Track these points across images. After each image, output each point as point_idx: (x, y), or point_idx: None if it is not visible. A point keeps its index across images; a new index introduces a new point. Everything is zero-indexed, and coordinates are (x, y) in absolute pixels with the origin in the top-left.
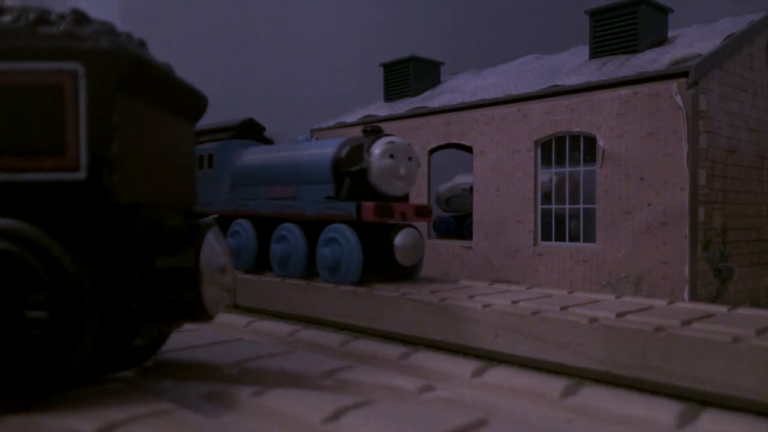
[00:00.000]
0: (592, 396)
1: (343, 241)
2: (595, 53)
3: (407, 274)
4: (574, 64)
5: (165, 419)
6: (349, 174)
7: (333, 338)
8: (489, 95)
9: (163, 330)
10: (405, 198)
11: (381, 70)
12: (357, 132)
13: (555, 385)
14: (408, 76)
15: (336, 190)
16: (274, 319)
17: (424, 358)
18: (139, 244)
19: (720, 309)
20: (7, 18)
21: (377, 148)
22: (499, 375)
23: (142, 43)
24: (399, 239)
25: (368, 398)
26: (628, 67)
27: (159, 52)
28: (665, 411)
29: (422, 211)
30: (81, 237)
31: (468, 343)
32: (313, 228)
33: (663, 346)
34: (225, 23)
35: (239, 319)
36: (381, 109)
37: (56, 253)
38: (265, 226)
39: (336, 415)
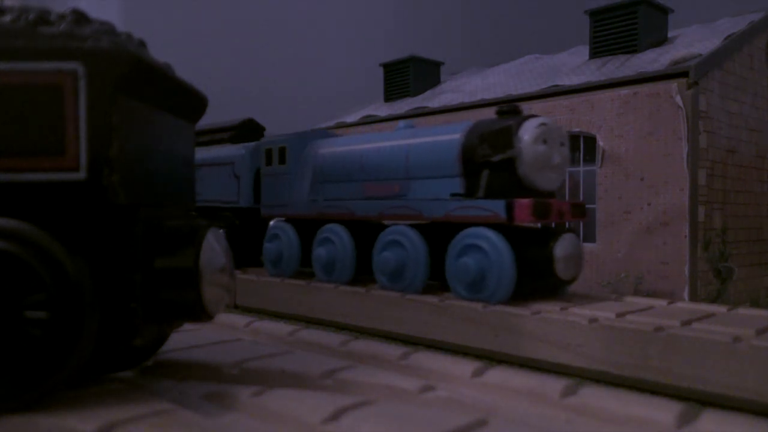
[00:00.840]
0: (592, 396)
1: (489, 249)
2: (595, 53)
3: (557, 288)
4: (574, 64)
5: (165, 419)
6: (489, 165)
7: (333, 338)
8: (489, 95)
9: (163, 330)
10: (552, 194)
11: (381, 70)
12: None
13: (555, 385)
14: (408, 76)
15: (467, 186)
16: (274, 319)
17: (424, 358)
18: (139, 244)
19: (720, 309)
20: (7, 18)
21: (527, 132)
22: (499, 375)
23: (142, 43)
24: (560, 248)
25: (368, 398)
26: (628, 67)
27: (159, 52)
28: (665, 411)
29: (579, 210)
30: (81, 237)
31: (468, 344)
32: (434, 232)
33: (663, 347)
34: (225, 23)
35: (239, 319)
36: (381, 109)
37: (56, 253)
38: (365, 230)
39: (336, 415)
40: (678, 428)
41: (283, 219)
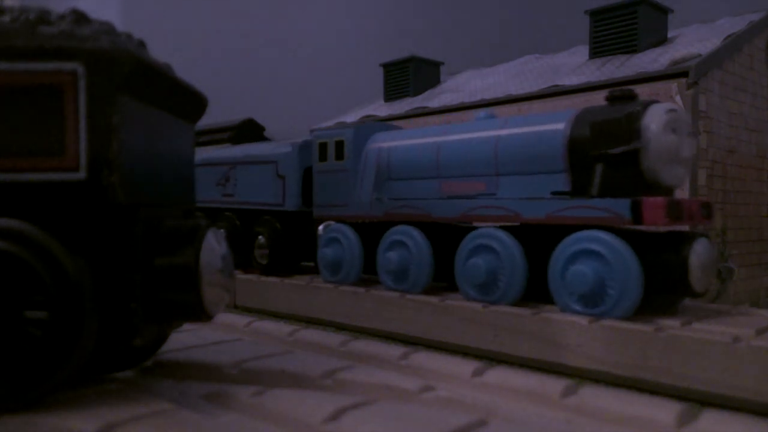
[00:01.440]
0: (592, 396)
1: (610, 256)
2: (595, 53)
3: (675, 301)
4: (574, 64)
5: (165, 419)
6: (605, 158)
7: (333, 338)
8: (489, 95)
9: (163, 330)
10: (672, 191)
11: (381, 70)
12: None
13: (555, 385)
14: (408, 76)
15: (574, 183)
16: (274, 319)
17: (424, 358)
18: (139, 244)
19: (720, 309)
20: (7, 18)
21: (654, 120)
22: (499, 375)
23: (142, 43)
24: (696, 255)
25: (368, 398)
26: (628, 67)
27: (159, 52)
28: (665, 411)
29: (707, 211)
30: (81, 237)
31: (468, 344)
32: (530, 236)
33: (663, 347)
34: (225, 23)
35: (239, 319)
36: (381, 109)
37: (56, 253)
38: (442, 234)
39: (336, 415)
40: (678, 428)
41: (341, 221)
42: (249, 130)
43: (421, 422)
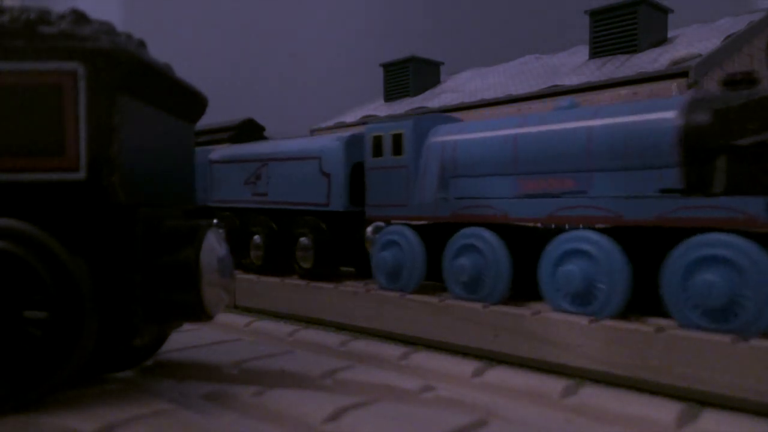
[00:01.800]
0: (592, 396)
1: (746, 265)
2: (595, 53)
3: None
4: (574, 64)
5: (165, 419)
6: (731, 150)
7: (333, 338)
8: (489, 95)
9: (163, 330)
10: None
11: (381, 70)
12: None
13: (555, 385)
14: (408, 76)
15: (688, 179)
16: (274, 319)
17: (424, 358)
18: (139, 244)
19: None
20: (7, 18)
21: None
22: (499, 375)
23: (142, 43)
24: None
25: (368, 398)
26: (628, 67)
27: (159, 52)
28: (665, 411)
29: None
30: (81, 237)
31: (468, 344)
32: (636, 240)
33: (663, 347)
34: (225, 23)
35: (239, 319)
36: (381, 109)
37: (56, 253)
38: (522, 237)
39: (336, 415)
40: (678, 428)
41: (400, 222)
42: (249, 130)
43: (421, 422)
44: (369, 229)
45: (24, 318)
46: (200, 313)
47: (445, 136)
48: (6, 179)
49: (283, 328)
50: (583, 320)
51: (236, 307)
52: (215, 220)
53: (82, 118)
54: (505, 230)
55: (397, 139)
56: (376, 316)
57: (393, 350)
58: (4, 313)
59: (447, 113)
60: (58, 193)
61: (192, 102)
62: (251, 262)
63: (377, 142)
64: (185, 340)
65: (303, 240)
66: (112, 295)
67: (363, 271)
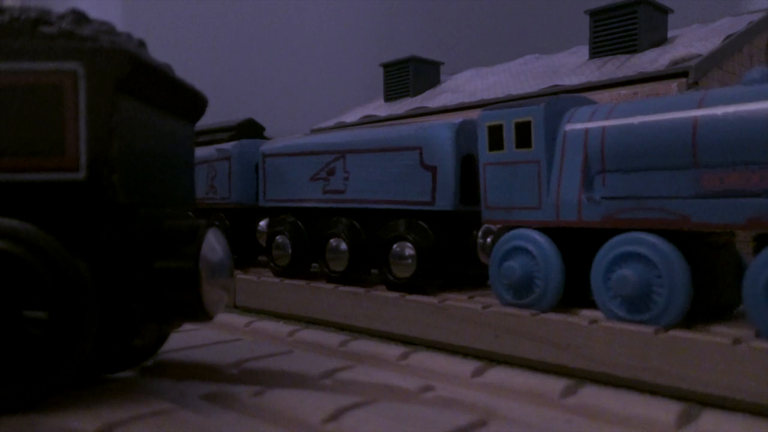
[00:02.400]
0: (592, 396)
1: None
2: (595, 53)
3: None
4: (574, 64)
5: (165, 419)
6: None
7: (333, 338)
8: (489, 95)
9: (163, 330)
10: None
11: (381, 70)
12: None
13: (555, 385)
14: (408, 76)
15: None
16: (274, 319)
17: (424, 358)
18: (139, 244)
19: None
20: (7, 18)
21: None
22: (499, 375)
23: (142, 43)
24: None
25: (368, 398)
26: (628, 67)
27: (159, 52)
28: (665, 411)
29: None
30: (81, 237)
31: (468, 344)
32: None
33: (663, 348)
34: (225, 23)
35: (239, 319)
36: (381, 109)
37: (56, 253)
38: (705, 246)
39: (336, 415)
40: (678, 428)
41: (527, 227)
42: (249, 130)
43: (421, 422)
44: (479, 233)
45: (24, 318)
46: (200, 313)
47: (588, 122)
48: (6, 179)
49: (283, 328)
50: (583, 321)
51: (236, 307)
52: (266, 221)
53: (82, 118)
54: (679, 237)
55: (524, 129)
56: (376, 316)
57: (393, 350)
58: (3, 313)
59: (573, 95)
60: (58, 193)
61: (192, 102)
62: (328, 270)
63: (495, 132)
64: (185, 340)
65: (400, 245)
66: (112, 295)
67: (471, 282)
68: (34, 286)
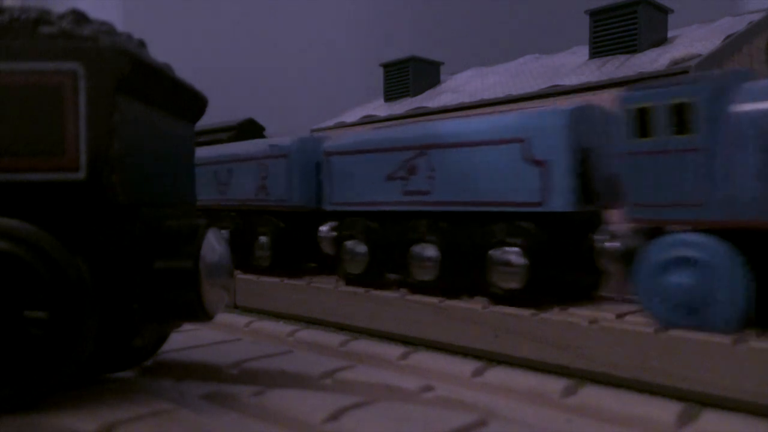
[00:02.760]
0: (592, 396)
1: None
2: (595, 53)
3: None
4: (574, 64)
5: (165, 419)
6: None
7: (333, 338)
8: (489, 95)
9: (163, 330)
10: None
11: (381, 70)
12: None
13: (555, 385)
14: (408, 76)
15: None
16: (274, 319)
17: (424, 358)
18: (139, 244)
19: None
20: (7, 18)
21: None
22: (499, 375)
23: (142, 43)
24: None
25: (368, 398)
26: (628, 67)
27: (159, 52)
28: (665, 411)
29: None
30: (81, 237)
31: (468, 344)
32: None
33: (663, 348)
34: (225, 23)
35: (239, 319)
36: (381, 109)
37: (56, 253)
38: None
39: (336, 415)
40: (678, 428)
41: (691, 230)
42: (249, 130)
43: (421, 422)
44: (599, 238)
45: (24, 318)
46: (200, 313)
47: (760, 103)
48: (6, 179)
49: (283, 328)
50: (583, 321)
51: (236, 307)
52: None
53: (82, 118)
54: None
55: (682, 112)
56: (376, 316)
57: (393, 350)
58: (4, 313)
59: (737, 68)
60: (58, 193)
61: (192, 102)
62: (410, 279)
63: (644, 116)
64: (185, 340)
65: (504, 252)
66: (112, 295)
67: (584, 291)
68: (34, 286)
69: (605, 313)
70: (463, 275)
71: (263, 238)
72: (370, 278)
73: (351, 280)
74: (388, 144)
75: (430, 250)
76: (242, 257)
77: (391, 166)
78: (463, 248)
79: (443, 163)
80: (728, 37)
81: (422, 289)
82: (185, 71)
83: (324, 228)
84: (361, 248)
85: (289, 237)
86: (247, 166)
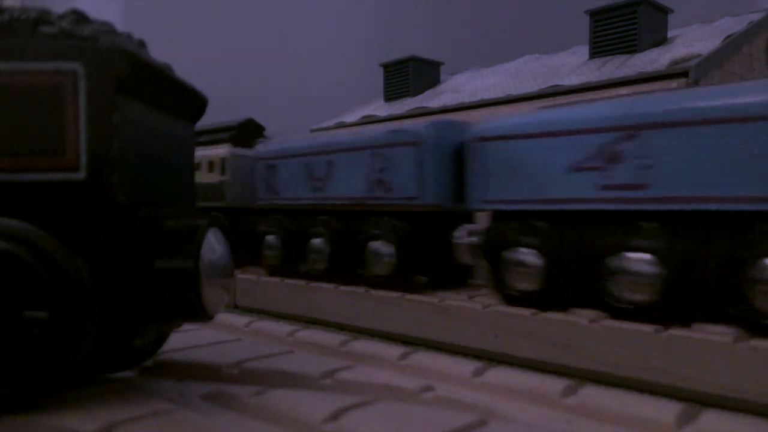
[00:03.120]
0: (592, 396)
1: None
2: (595, 53)
3: None
4: (574, 64)
5: (165, 419)
6: None
7: (333, 338)
8: (489, 95)
9: (163, 330)
10: None
11: (381, 70)
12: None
13: (555, 385)
14: (408, 76)
15: None
16: (274, 319)
17: (424, 358)
18: (139, 244)
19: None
20: (7, 18)
21: None
22: (499, 375)
23: (142, 43)
24: None
25: (368, 398)
26: (628, 67)
27: (159, 52)
28: (665, 411)
29: None
30: (81, 237)
31: (468, 344)
32: None
33: (663, 348)
34: (225, 23)
35: (239, 319)
36: (381, 109)
37: (56, 253)
38: None
39: (336, 415)
40: (678, 428)
41: None
42: (249, 130)
43: (421, 422)
44: None
45: (24, 318)
46: (200, 313)
47: None
48: (6, 179)
49: (283, 328)
50: (584, 321)
51: (236, 307)
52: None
53: (82, 118)
54: None
55: None
56: (376, 316)
57: (393, 350)
58: (4, 313)
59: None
60: (58, 193)
61: (192, 102)
62: (621, 302)
63: None
64: (185, 340)
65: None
66: (112, 295)
67: None
68: (34, 286)
69: (605, 312)
70: (709, 298)
71: (379, 245)
72: (548, 297)
73: (516, 299)
74: (574, 125)
75: (648, 264)
76: (343, 268)
77: (576, 152)
78: (706, 261)
79: (667, 147)
80: (728, 37)
81: (638, 316)
82: (185, 71)
83: (460, 233)
84: (534, 259)
85: (417, 244)
86: (357, 157)
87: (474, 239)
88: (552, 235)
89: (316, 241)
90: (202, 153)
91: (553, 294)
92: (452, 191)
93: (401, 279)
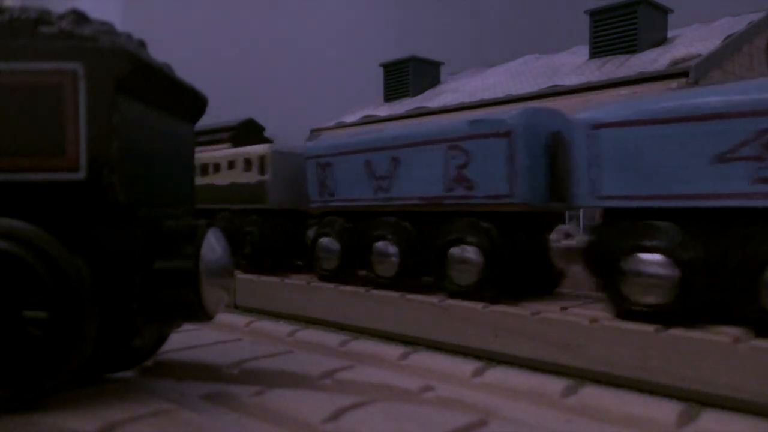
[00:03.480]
0: (592, 396)
1: None
2: (595, 53)
3: None
4: (574, 64)
5: (165, 419)
6: None
7: (333, 338)
8: (489, 95)
9: (163, 330)
10: None
11: (381, 70)
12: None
13: (555, 385)
14: (408, 76)
15: None
16: (274, 319)
17: (424, 358)
18: (139, 244)
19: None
20: (7, 18)
21: None
22: (499, 375)
23: (142, 43)
24: None
25: (368, 398)
26: (627, 67)
27: (159, 52)
28: (665, 411)
29: None
30: (81, 237)
31: (468, 344)
32: None
33: (663, 348)
34: (225, 23)
35: (239, 319)
36: (381, 109)
37: (56, 253)
38: None
39: (336, 415)
40: (678, 428)
41: None
42: (249, 130)
43: (421, 422)
44: None
45: (24, 318)
46: (200, 313)
47: None
48: (6, 179)
49: (283, 328)
50: (584, 321)
51: (236, 307)
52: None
53: (82, 118)
54: None
55: None
56: (376, 316)
57: (393, 350)
58: (4, 313)
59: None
60: (58, 193)
61: (192, 102)
62: None
63: None
64: (185, 340)
65: None
66: (112, 295)
67: None
68: (34, 286)
69: (606, 312)
70: None
71: (465, 251)
72: (681, 312)
73: (638, 315)
74: (716, 109)
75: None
76: (414, 275)
77: (723, 140)
78: None
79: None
80: (728, 37)
81: None
82: (185, 71)
83: (555, 236)
84: (668, 269)
85: (509, 249)
86: (430, 152)
87: (573, 243)
88: (686, 239)
89: (381, 244)
90: (236, 151)
91: (688, 308)
92: (544, 188)
93: (489, 290)
